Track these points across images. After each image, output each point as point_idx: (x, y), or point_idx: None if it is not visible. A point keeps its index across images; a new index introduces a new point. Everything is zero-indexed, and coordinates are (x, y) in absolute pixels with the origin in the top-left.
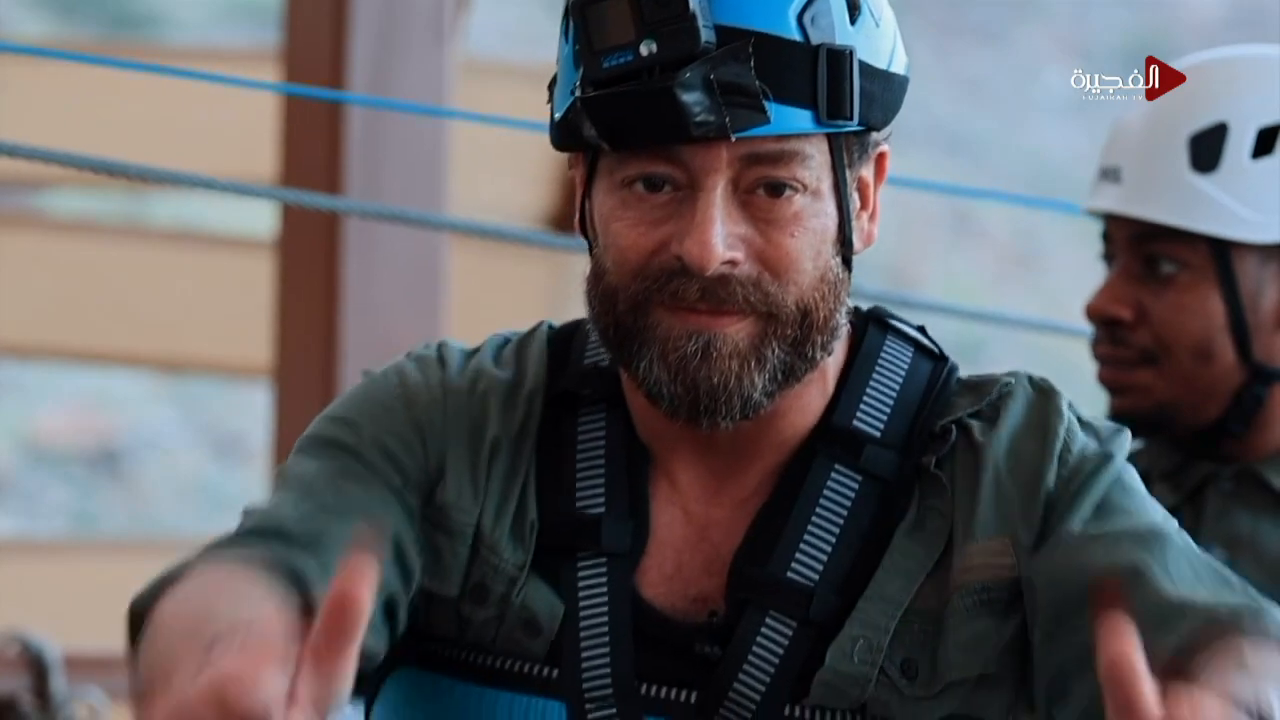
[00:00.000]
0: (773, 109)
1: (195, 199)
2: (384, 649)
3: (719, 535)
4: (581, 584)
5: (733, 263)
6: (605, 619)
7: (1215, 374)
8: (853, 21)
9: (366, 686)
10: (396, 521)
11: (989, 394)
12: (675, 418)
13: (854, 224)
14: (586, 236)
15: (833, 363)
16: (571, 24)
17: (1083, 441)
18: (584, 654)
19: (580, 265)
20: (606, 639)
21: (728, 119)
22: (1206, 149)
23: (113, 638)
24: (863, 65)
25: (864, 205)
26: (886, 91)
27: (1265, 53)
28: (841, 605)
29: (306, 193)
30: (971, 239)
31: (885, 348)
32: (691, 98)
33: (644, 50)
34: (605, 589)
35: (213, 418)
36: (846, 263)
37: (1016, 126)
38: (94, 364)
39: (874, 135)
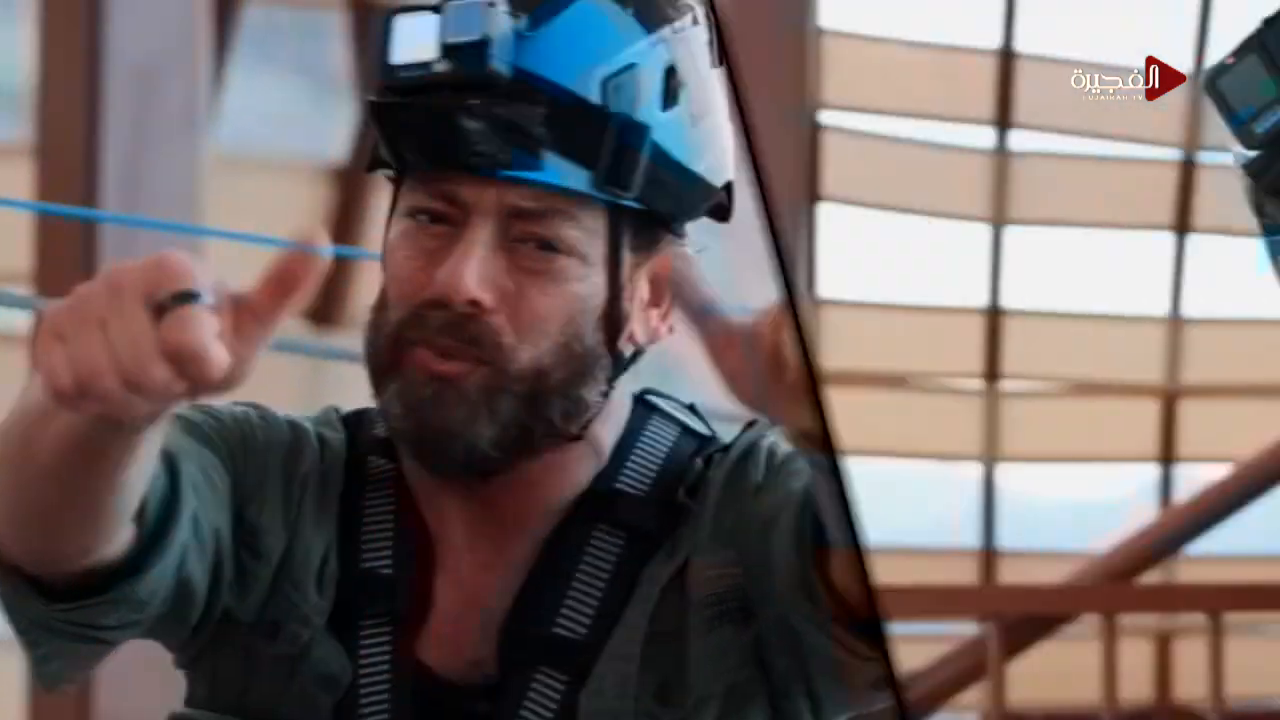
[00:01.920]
0: (550, 158)
1: None
2: (204, 579)
3: (492, 601)
4: (364, 647)
5: (479, 305)
6: (386, 683)
7: None
8: (664, 108)
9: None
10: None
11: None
12: (412, 457)
13: (627, 306)
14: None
15: (606, 438)
16: (378, 36)
17: (788, 451)
18: (363, 717)
19: (336, 369)
20: (386, 704)
21: (501, 156)
22: None
23: None
24: (657, 147)
25: (655, 303)
26: (682, 186)
27: None
28: None
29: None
30: None
31: (649, 426)
32: (473, 125)
33: (438, 67)
34: (387, 653)
35: None
36: (611, 342)
37: None
38: None
39: (666, 234)
